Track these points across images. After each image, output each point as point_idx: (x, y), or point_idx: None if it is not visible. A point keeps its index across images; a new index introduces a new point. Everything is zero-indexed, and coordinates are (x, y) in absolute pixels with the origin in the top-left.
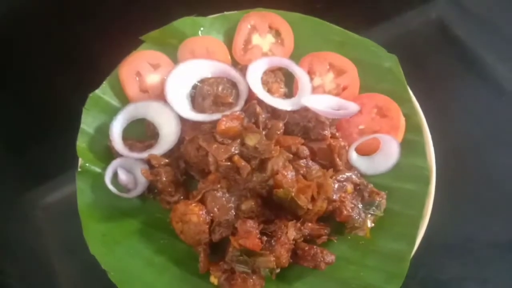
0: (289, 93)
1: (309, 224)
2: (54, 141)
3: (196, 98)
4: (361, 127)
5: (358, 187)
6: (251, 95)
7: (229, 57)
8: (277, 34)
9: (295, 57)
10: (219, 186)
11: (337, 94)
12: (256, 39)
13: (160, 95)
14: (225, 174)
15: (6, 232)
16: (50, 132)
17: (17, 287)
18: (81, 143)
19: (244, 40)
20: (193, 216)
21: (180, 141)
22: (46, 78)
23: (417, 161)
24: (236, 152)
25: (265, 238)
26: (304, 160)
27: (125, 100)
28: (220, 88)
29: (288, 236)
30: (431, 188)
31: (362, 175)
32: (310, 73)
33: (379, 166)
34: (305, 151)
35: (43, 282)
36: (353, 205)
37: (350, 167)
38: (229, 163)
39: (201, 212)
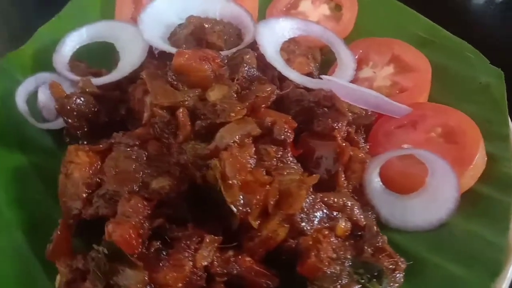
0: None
1: (247, 258)
2: None
3: (178, 28)
4: (406, 146)
5: (359, 233)
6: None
7: (257, 10)
8: (337, 7)
9: (350, 41)
10: (137, 143)
11: (388, 95)
12: (305, 4)
13: None
14: (158, 132)
15: None
16: None
17: None
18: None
19: (289, 0)
20: (77, 167)
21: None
22: None
23: (486, 232)
24: (186, 103)
25: (156, 243)
26: (279, 148)
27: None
28: (216, 28)
29: (196, 257)
30: (499, 284)
31: (378, 222)
32: (362, 61)
33: (413, 215)
34: (285, 132)
35: None
36: (334, 256)
37: (362, 199)
38: (166, 115)
39: (88, 165)
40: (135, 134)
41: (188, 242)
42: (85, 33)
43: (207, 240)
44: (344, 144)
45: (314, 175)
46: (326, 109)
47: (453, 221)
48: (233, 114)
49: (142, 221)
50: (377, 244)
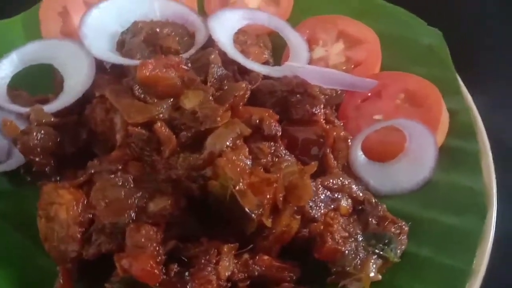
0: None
1: (265, 257)
2: None
3: (126, 37)
4: (377, 117)
5: (360, 207)
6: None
7: (196, 4)
8: None
9: (293, 23)
10: (119, 168)
11: (345, 71)
12: None
13: None
14: (136, 152)
15: None
16: None
17: None
18: None
19: None
20: (61, 208)
21: (88, 101)
22: None
23: (465, 181)
24: (162, 116)
25: (174, 266)
26: (271, 143)
27: None
28: (165, 30)
29: (219, 270)
30: (488, 225)
31: (371, 192)
32: (311, 41)
33: (399, 179)
34: (275, 127)
35: None
36: (346, 235)
37: (351, 174)
38: (144, 132)
39: (74, 204)
40: (112, 159)
41: (208, 257)
42: (17, 59)
43: (225, 250)
44: (328, 126)
45: (312, 163)
46: (299, 95)
47: (435, 178)
48: (219, 119)
49: (157, 248)
50: (379, 214)
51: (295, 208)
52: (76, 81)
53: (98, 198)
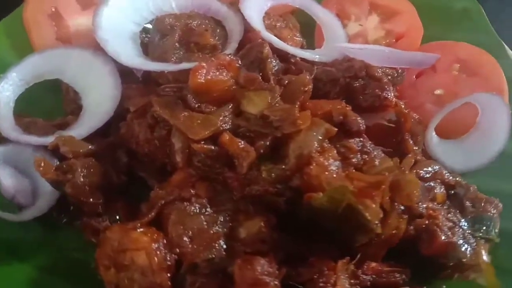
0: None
1: (372, 264)
2: None
3: (151, 38)
4: (438, 91)
5: (452, 191)
6: (247, 40)
7: None
8: None
9: None
10: (192, 193)
11: (387, 46)
12: None
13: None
14: (204, 171)
15: None
16: None
17: None
18: None
19: None
20: (139, 254)
21: (120, 116)
22: None
23: None
24: (226, 126)
25: None
26: (358, 139)
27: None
28: (194, 23)
29: None
30: None
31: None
32: (341, 17)
33: (474, 155)
34: (359, 121)
35: None
36: (451, 224)
37: (428, 157)
38: (212, 147)
39: (154, 246)
40: (176, 183)
41: (324, 279)
42: (17, 77)
43: (339, 267)
44: (406, 110)
45: (408, 155)
46: (362, 80)
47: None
48: (300, 121)
49: (276, 283)
50: (472, 195)
51: (402, 207)
52: (99, 96)
53: (179, 233)
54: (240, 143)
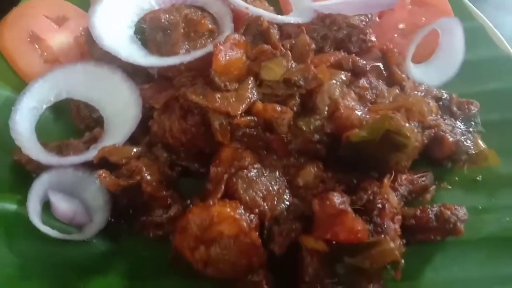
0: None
1: (404, 176)
2: None
3: (150, 38)
4: (401, 26)
5: (440, 102)
6: (236, 19)
7: None
8: None
9: None
10: (247, 161)
11: None
12: None
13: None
14: (247, 141)
15: None
16: None
17: None
18: None
19: None
20: (226, 224)
21: (145, 117)
22: None
23: (488, 51)
24: (255, 97)
25: (358, 216)
26: (365, 79)
27: (20, 84)
28: (187, 12)
29: (392, 201)
30: None
31: None
32: None
33: (444, 69)
34: (362, 63)
35: None
36: (451, 128)
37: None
38: (251, 118)
39: (237, 212)
40: (226, 157)
41: (379, 196)
42: (29, 106)
43: (385, 185)
44: (385, 47)
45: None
46: (344, 31)
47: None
48: (320, 76)
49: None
50: (457, 101)
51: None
52: (118, 104)
53: (252, 197)
54: (277, 107)
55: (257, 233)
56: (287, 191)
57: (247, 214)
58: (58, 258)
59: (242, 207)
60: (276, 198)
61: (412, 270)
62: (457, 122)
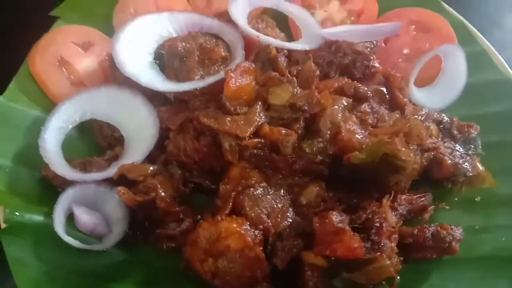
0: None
1: (403, 197)
2: None
3: (168, 64)
4: (405, 51)
5: (441, 125)
6: (248, 46)
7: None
8: None
9: None
10: (253, 180)
11: (353, 23)
12: None
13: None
14: (254, 161)
15: None
16: None
17: None
18: None
19: None
20: (232, 238)
21: (162, 137)
22: None
23: (489, 75)
24: (263, 120)
25: (356, 234)
26: (367, 104)
27: (49, 105)
28: (202, 40)
29: (390, 221)
30: None
31: None
32: (307, 7)
33: (446, 93)
34: (364, 89)
35: None
36: (450, 150)
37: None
38: (258, 140)
39: (244, 228)
40: (235, 177)
41: (378, 216)
42: (56, 126)
43: (385, 204)
44: (388, 72)
45: (405, 107)
46: (350, 57)
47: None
48: (323, 101)
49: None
50: (457, 125)
51: (413, 148)
52: (138, 124)
53: (257, 214)
54: (282, 130)
55: (261, 248)
56: (290, 209)
57: (252, 230)
58: (79, 265)
59: (248, 223)
60: (280, 215)
61: (409, 287)
62: (457, 145)
